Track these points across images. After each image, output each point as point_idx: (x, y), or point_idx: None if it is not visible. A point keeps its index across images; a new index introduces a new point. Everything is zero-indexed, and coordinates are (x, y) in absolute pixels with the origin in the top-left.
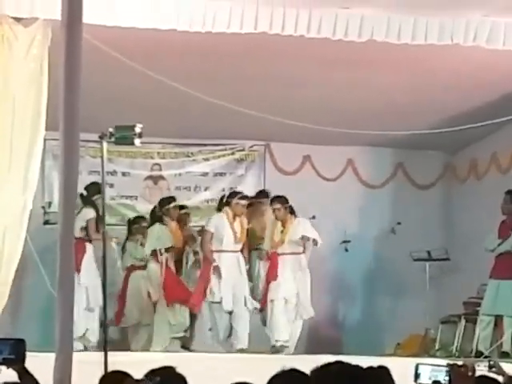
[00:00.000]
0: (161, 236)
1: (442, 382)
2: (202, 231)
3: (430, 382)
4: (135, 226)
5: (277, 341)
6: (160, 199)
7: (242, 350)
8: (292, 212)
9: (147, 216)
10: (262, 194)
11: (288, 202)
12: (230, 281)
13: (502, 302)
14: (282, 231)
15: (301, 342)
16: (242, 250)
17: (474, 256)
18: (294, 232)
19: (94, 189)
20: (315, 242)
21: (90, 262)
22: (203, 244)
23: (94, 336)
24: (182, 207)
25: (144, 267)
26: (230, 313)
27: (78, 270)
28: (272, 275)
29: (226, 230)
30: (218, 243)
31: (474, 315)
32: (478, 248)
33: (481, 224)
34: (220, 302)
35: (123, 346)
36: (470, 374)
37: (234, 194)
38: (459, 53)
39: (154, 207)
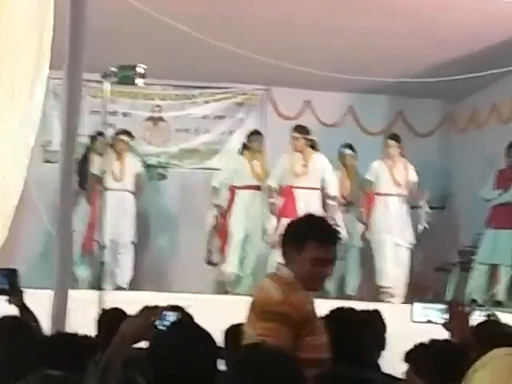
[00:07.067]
0: None
1: (436, 321)
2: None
3: (425, 320)
4: None
5: None
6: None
7: (121, 288)
8: (313, 147)
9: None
10: (256, 133)
11: (309, 134)
12: (112, 220)
13: (499, 251)
14: (303, 165)
15: None
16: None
17: (470, 205)
18: (312, 167)
19: None
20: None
21: None
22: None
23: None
24: None
25: None
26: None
27: None
28: (289, 210)
29: (108, 168)
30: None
31: (469, 264)
32: (475, 197)
33: (479, 173)
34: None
35: None
36: (467, 311)
37: (117, 132)
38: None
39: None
